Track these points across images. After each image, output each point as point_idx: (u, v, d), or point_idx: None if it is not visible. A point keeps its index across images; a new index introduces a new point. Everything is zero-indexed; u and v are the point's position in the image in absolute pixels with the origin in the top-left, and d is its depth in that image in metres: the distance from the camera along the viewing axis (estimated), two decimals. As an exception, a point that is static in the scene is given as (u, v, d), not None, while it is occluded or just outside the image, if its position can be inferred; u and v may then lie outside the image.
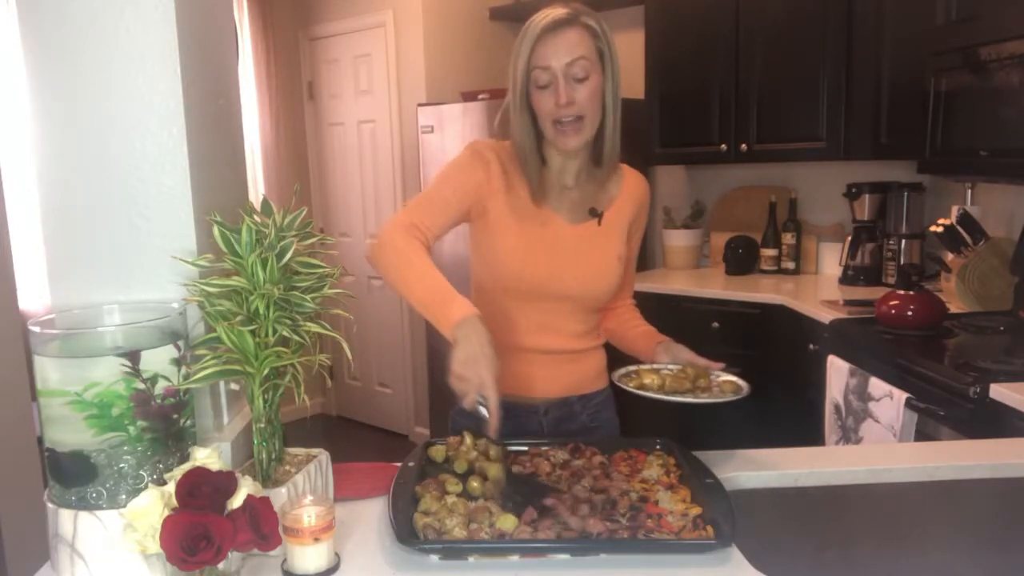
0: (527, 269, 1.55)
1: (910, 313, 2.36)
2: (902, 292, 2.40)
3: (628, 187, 1.64)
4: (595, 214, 1.58)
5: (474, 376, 1.28)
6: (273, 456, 1.16)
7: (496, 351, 1.31)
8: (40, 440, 1.10)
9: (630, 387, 1.43)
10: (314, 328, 1.14)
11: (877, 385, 2.18)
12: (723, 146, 3.46)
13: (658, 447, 1.39)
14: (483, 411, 1.29)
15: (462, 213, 1.54)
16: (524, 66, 1.47)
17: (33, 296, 3.46)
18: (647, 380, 1.44)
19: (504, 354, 1.58)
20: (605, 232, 1.59)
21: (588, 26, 1.47)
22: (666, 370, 1.50)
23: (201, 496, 0.94)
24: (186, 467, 0.99)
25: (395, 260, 1.43)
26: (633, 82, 3.66)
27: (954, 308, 2.61)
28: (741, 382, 1.45)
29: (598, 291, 1.60)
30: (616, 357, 1.71)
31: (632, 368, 1.51)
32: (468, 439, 1.38)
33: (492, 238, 1.56)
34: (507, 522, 1.12)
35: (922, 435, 2.03)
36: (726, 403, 1.39)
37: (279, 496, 1.08)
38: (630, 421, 1.76)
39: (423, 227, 1.47)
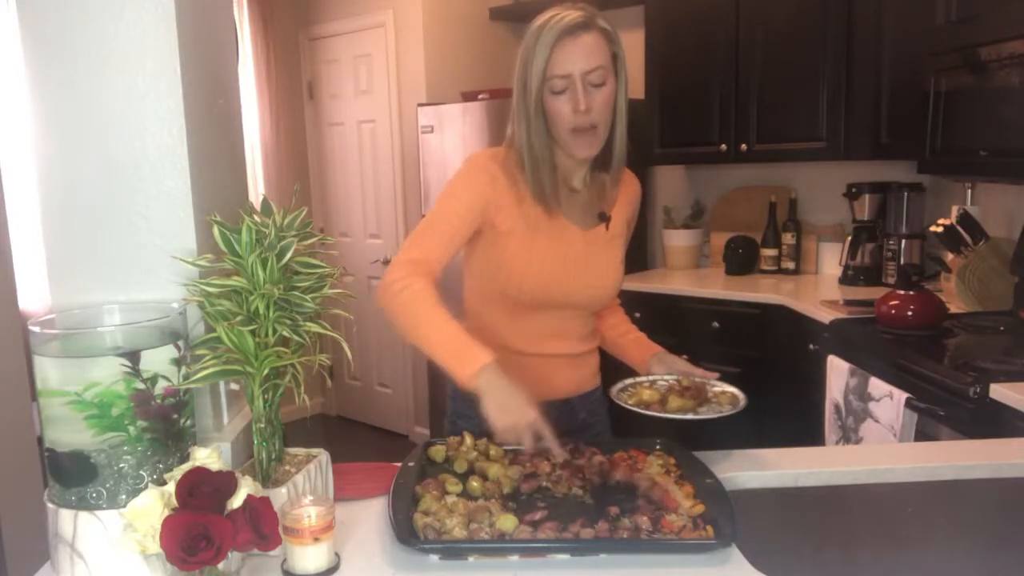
0: (544, 281, 1.51)
1: (910, 313, 2.36)
2: (902, 292, 2.40)
3: (625, 187, 1.63)
4: (604, 218, 1.57)
5: (520, 419, 1.26)
6: (273, 456, 1.16)
7: (527, 392, 1.30)
8: (40, 440, 1.10)
9: (629, 404, 1.41)
10: (314, 328, 1.14)
11: (877, 385, 2.18)
12: (723, 146, 3.46)
13: (658, 447, 1.39)
14: (547, 447, 1.29)
15: (471, 233, 1.50)
16: (541, 71, 1.42)
17: (33, 296, 3.46)
18: (646, 396, 1.43)
19: (510, 359, 1.58)
20: (612, 235, 1.59)
21: (604, 30, 1.44)
22: (662, 381, 1.50)
23: (201, 496, 0.94)
24: (186, 467, 0.99)
25: (405, 309, 1.38)
26: (633, 82, 3.63)
27: (954, 308, 2.61)
28: (738, 393, 1.43)
29: (605, 296, 1.60)
30: (610, 362, 1.71)
31: (629, 382, 1.50)
32: (468, 439, 1.38)
33: (505, 252, 1.51)
34: (507, 522, 1.12)
35: (922, 435, 2.03)
36: (725, 417, 1.37)
37: (279, 496, 1.08)
38: (630, 422, 1.76)
39: (431, 261, 1.43)
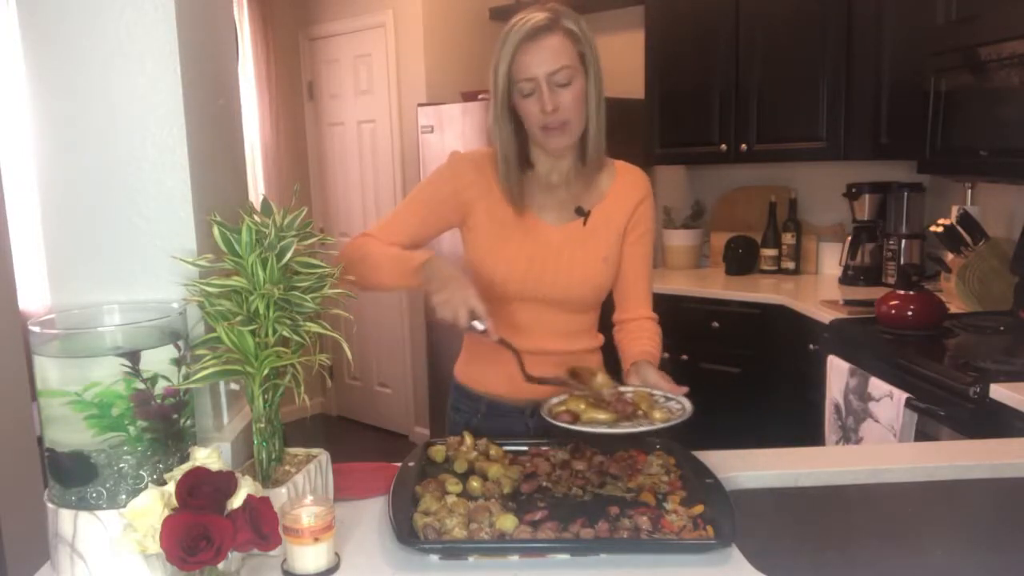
0: (504, 272, 1.55)
1: (910, 313, 2.36)
2: (902, 292, 2.40)
3: (620, 184, 1.61)
4: (581, 213, 1.58)
5: (456, 296, 1.35)
6: (273, 456, 1.16)
7: (467, 280, 1.39)
8: (40, 440, 1.10)
9: (547, 414, 1.33)
10: (314, 328, 1.14)
11: (877, 385, 2.18)
12: (723, 146, 3.46)
13: (658, 447, 1.39)
14: (478, 325, 1.36)
15: (435, 225, 1.60)
16: (505, 76, 1.47)
17: (33, 296, 3.46)
18: (571, 405, 1.36)
19: (491, 354, 1.58)
20: (591, 232, 1.58)
21: (568, 30, 1.46)
22: (629, 394, 1.40)
23: (201, 496, 0.94)
24: (186, 467, 0.99)
25: (354, 263, 1.49)
26: (633, 82, 3.66)
27: (954, 308, 2.61)
28: (684, 409, 1.34)
29: (581, 293, 1.58)
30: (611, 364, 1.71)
31: (564, 396, 1.41)
32: (468, 439, 1.38)
33: (474, 243, 1.58)
34: (507, 522, 1.12)
35: (922, 435, 2.03)
36: (638, 433, 1.30)
37: (279, 496, 1.08)
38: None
39: (379, 239, 1.54)
